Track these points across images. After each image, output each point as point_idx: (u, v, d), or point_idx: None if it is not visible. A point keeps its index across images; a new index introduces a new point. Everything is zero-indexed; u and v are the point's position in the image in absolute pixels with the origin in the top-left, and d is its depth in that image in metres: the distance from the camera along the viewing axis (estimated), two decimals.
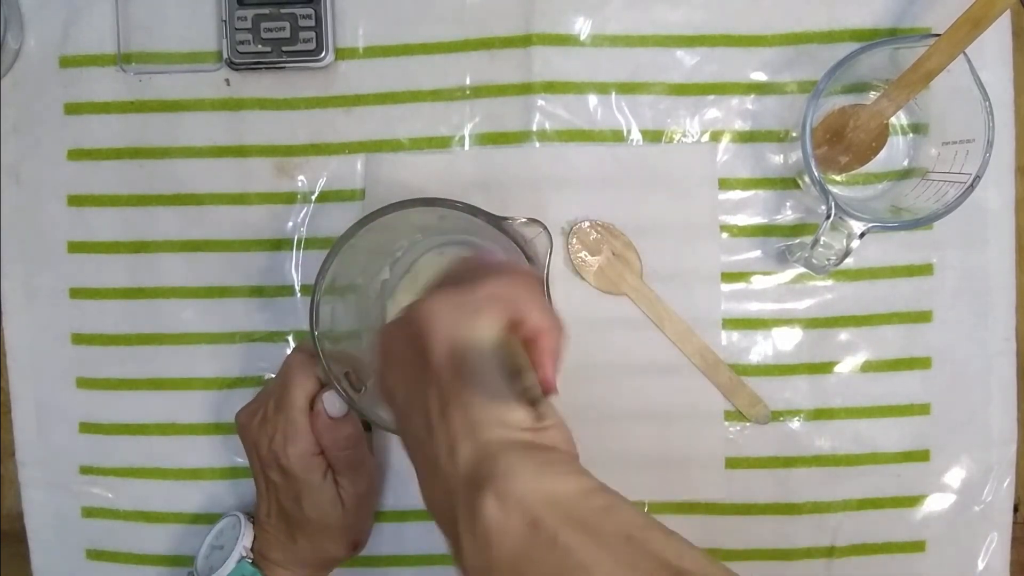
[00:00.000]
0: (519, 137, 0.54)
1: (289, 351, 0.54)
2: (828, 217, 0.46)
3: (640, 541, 0.32)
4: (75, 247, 0.55)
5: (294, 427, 0.47)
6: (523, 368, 0.33)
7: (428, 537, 0.55)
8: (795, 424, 0.54)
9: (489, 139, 0.54)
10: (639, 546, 0.31)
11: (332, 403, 0.47)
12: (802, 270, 0.53)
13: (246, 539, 0.49)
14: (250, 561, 0.48)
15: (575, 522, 0.32)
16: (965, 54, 0.46)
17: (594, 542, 0.31)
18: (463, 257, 0.40)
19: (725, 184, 0.54)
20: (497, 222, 0.45)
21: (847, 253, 0.47)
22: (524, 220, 0.45)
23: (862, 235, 0.47)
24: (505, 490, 0.32)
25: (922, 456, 0.54)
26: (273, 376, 0.53)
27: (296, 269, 0.55)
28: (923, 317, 0.54)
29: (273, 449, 0.47)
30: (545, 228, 0.46)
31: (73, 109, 0.55)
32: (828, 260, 0.48)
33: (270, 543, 0.49)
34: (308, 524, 0.48)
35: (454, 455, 0.33)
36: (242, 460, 0.51)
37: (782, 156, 0.54)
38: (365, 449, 0.49)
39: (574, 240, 0.53)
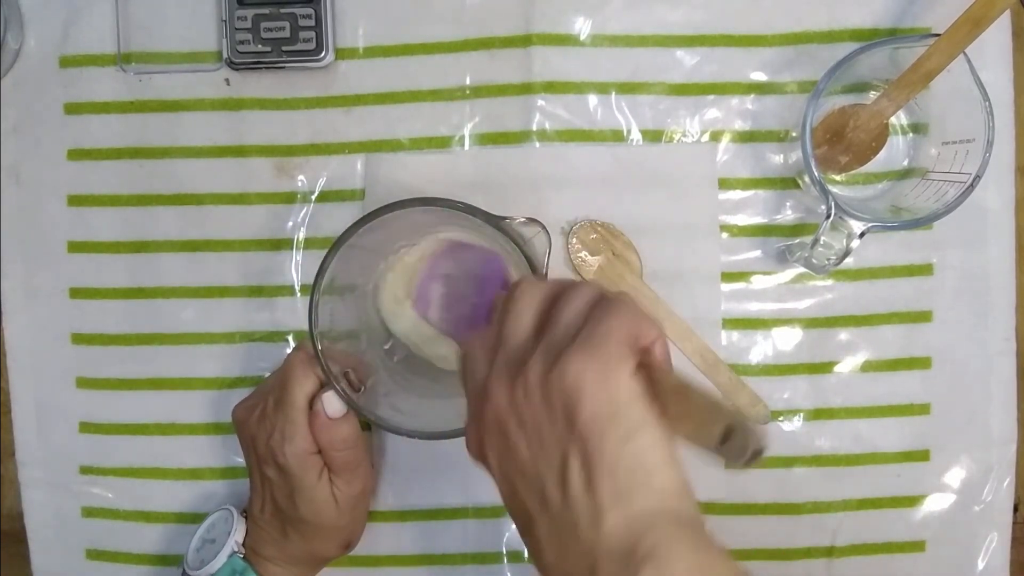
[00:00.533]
0: (519, 137, 0.54)
1: (289, 351, 0.54)
2: (828, 217, 0.46)
3: None
4: (75, 247, 0.55)
5: (292, 426, 0.47)
6: (735, 425, 0.31)
7: (428, 537, 0.55)
8: (795, 424, 0.54)
9: (489, 139, 0.54)
10: None
11: (331, 403, 0.47)
12: (802, 270, 0.53)
13: (238, 534, 0.49)
14: (241, 556, 0.48)
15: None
16: (965, 54, 0.46)
17: None
18: (518, 288, 0.37)
19: (725, 184, 0.54)
20: (496, 222, 0.45)
21: (847, 253, 0.47)
22: (523, 220, 0.45)
23: (862, 235, 0.47)
24: (664, 572, 0.30)
25: (922, 456, 0.54)
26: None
27: (296, 269, 0.55)
28: (923, 317, 0.54)
29: (270, 446, 0.47)
30: (544, 228, 0.46)
31: (73, 109, 0.55)
32: (828, 260, 0.48)
33: (262, 539, 0.49)
34: (301, 522, 0.48)
35: (599, 525, 0.32)
36: (242, 460, 0.51)
37: (782, 156, 0.54)
38: (362, 450, 0.50)
39: (574, 240, 0.53)
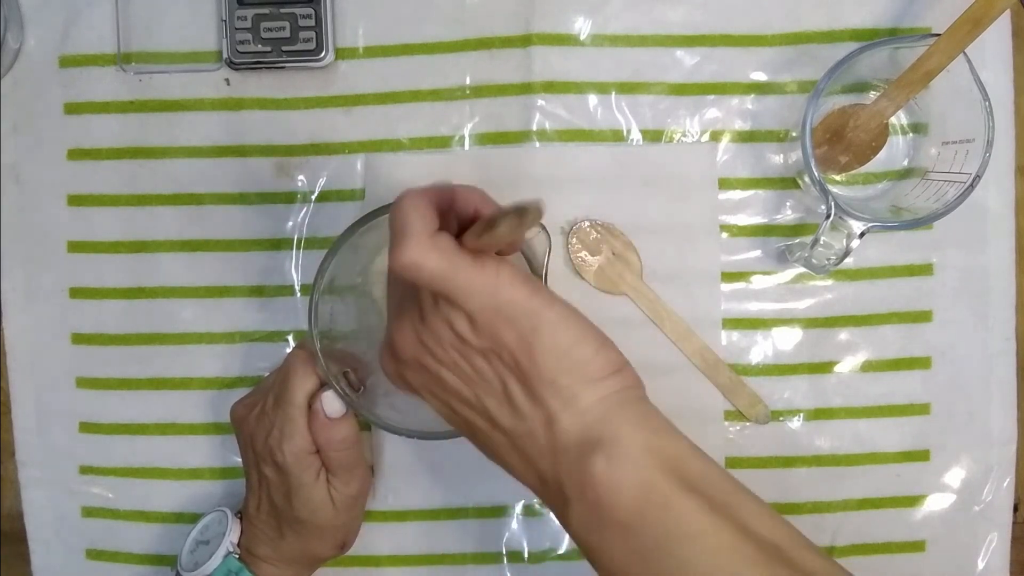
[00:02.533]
0: (519, 137, 0.54)
1: (289, 351, 0.54)
2: (828, 217, 0.46)
3: (739, 517, 0.34)
4: (75, 247, 0.55)
5: (291, 425, 0.47)
6: (495, 220, 0.34)
7: (428, 537, 0.55)
8: (795, 424, 0.54)
9: (489, 139, 0.54)
10: (736, 519, 0.34)
11: (330, 403, 0.47)
12: (802, 270, 0.53)
13: (233, 534, 0.49)
14: (237, 556, 0.48)
15: (685, 486, 0.34)
16: (965, 54, 0.46)
17: (702, 510, 0.34)
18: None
19: (725, 184, 0.54)
20: None
21: (847, 253, 0.47)
22: None
23: (862, 235, 0.47)
24: (616, 452, 0.34)
25: (922, 456, 0.54)
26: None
27: (296, 269, 0.55)
28: (923, 317, 0.54)
29: (269, 444, 0.47)
30: (544, 228, 0.46)
31: (73, 109, 0.55)
32: (828, 260, 0.48)
33: (258, 538, 0.49)
34: (297, 521, 0.48)
35: (553, 427, 0.36)
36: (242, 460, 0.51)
37: (782, 156, 0.54)
38: (360, 451, 0.50)
39: (574, 240, 0.53)
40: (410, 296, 0.39)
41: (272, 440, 0.47)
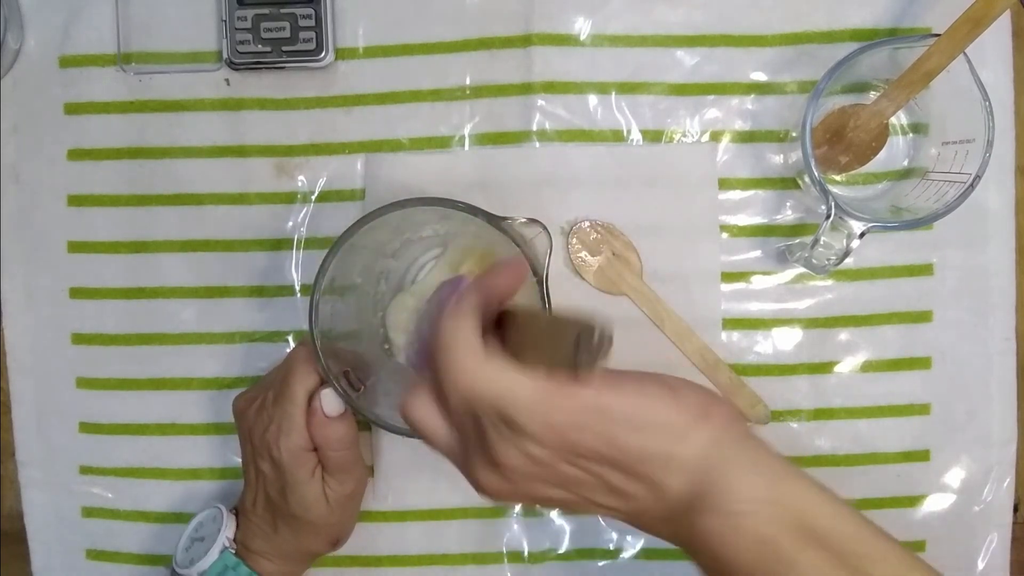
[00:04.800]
0: (519, 137, 0.54)
1: (290, 349, 0.54)
2: (828, 217, 0.46)
3: (870, 571, 0.32)
4: (75, 247, 0.55)
5: (290, 421, 0.47)
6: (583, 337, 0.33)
7: (428, 537, 0.55)
8: (795, 424, 0.54)
9: (489, 139, 0.54)
10: (866, 573, 0.32)
11: (329, 401, 0.47)
12: (802, 270, 0.53)
13: (228, 530, 0.49)
14: (233, 552, 0.48)
15: (810, 540, 0.32)
16: (965, 54, 0.46)
17: (828, 564, 0.32)
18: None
19: (725, 184, 0.54)
20: (497, 222, 0.45)
21: (847, 253, 0.47)
22: (524, 220, 0.45)
23: (862, 235, 0.47)
24: (727, 507, 0.32)
25: (922, 456, 0.54)
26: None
27: (296, 269, 0.55)
28: (923, 317, 0.54)
29: (266, 439, 0.47)
30: (545, 228, 0.46)
31: (73, 109, 0.55)
32: (828, 260, 0.48)
33: (253, 532, 0.49)
34: (291, 517, 0.48)
35: (663, 496, 0.34)
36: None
37: (782, 156, 0.54)
38: (358, 451, 0.49)
39: (574, 240, 0.53)
40: (469, 424, 0.36)
41: (270, 435, 0.47)
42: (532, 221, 0.46)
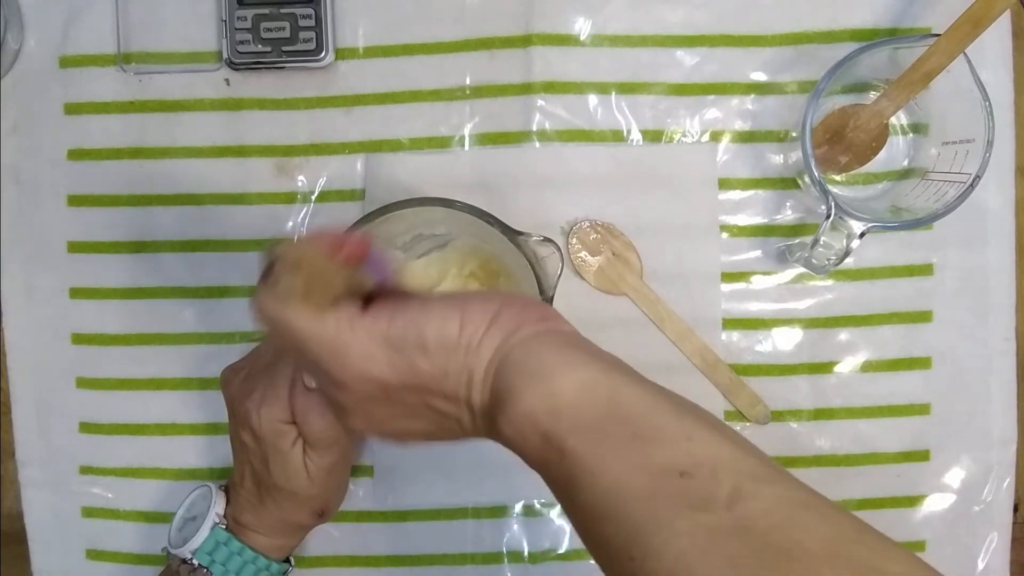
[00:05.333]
0: (519, 137, 0.54)
1: None
2: (828, 217, 0.46)
3: (645, 439, 0.32)
4: (75, 247, 0.55)
5: (273, 391, 0.46)
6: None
7: (428, 537, 0.55)
8: (795, 424, 0.54)
9: (489, 139, 0.54)
10: (643, 446, 0.32)
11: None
12: (802, 270, 0.53)
13: (218, 506, 0.49)
14: (224, 527, 0.48)
15: (580, 427, 0.33)
16: (965, 54, 0.46)
17: (600, 445, 0.32)
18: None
19: (725, 184, 0.54)
20: (513, 235, 0.45)
21: (847, 253, 0.47)
22: (539, 238, 0.46)
23: (862, 235, 0.47)
24: (511, 414, 0.33)
25: (922, 456, 0.54)
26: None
27: None
28: (923, 317, 0.54)
29: (247, 407, 0.46)
30: (559, 249, 0.46)
31: (73, 109, 0.55)
32: (828, 260, 0.48)
33: (242, 506, 0.49)
34: (275, 488, 0.48)
35: (472, 409, 0.35)
36: None
37: (782, 156, 0.54)
38: (339, 428, 0.49)
39: (574, 240, 0.53)
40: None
41: (251, 403, 0.46)
42: (547, 240, 0.46)
